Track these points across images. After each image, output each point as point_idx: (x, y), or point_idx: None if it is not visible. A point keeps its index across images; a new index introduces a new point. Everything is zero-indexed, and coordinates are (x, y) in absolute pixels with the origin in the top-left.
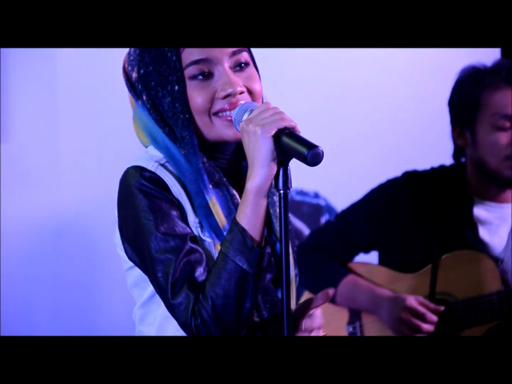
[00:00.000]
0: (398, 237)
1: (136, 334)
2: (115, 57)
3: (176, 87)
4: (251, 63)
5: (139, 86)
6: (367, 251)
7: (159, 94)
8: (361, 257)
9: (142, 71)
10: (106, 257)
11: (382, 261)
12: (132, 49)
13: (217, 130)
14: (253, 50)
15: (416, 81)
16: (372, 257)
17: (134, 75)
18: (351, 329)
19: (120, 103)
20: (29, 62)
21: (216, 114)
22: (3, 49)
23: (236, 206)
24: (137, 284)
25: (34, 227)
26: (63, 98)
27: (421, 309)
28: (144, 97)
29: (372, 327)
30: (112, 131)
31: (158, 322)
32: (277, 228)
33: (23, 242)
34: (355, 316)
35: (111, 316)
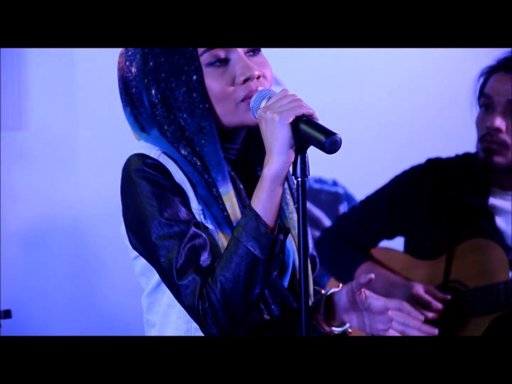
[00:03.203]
0: (419, 224)
1: (144, 322)
2: None
3: (194, 77)
4: (260, 50)
5: (145, 80)
6: (389, 237)
7: (171, 85)
8: (385, 243)
9: (151, 63)
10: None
11: (405, 247)
12: None
13: (240, 114)
14: (271, 49)
15: (433, 74)
16: (397, 243)
17: (134, 70)
18: None
19: None
20: (47, 60)
21: (243, 101)
22: (22, 49)
23: (242, 201)
24: (143, 273)
25: (48, 220)
26: (80, 96)
27: (427, 297)
28: (153, 91)
29: None
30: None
31: (163, 310)
32: (288, 215)
33: (35, 235)
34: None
35: (115, 315)
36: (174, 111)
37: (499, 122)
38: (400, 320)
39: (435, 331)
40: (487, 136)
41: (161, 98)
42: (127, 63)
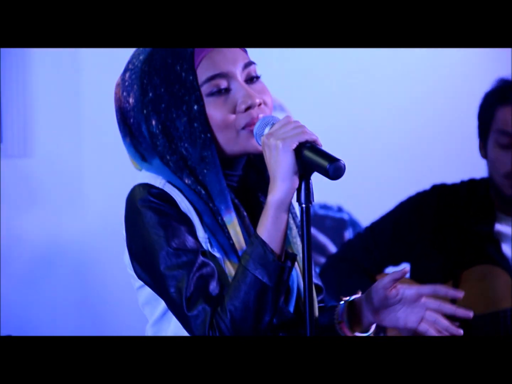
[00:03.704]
0: (424, 251)
1: None
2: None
3: (195, 107)
4: (260, 77)
5: (144, 111)
6: (394, 263)
7: (172, 115)
8: (391, 269)
9: (151, 94)
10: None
11: (411, 274)
12: (127, 74)
13: (242, 142)
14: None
15: (440, 98)
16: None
17: (132, 100)
18: None
19: None
20: (52, 64)
21: (243, 128)
22: (27, 66)
23: (246, 228)
24: (148, 303)
25: (55, 242)
26: (86, 121)
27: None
28: (153, 122)
29: None
30: None
31: None
32: (291, 240)
33: (40, 261)
34: (380, 329)
35: (117, 319)
36: (176, 140)
37: None
38: (434, 307)
39: (470, 314)
40: None
41: (162, 128)
42: (124, 93)
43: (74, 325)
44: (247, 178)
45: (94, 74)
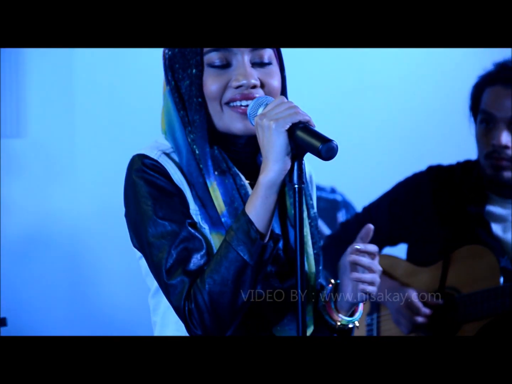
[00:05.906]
0: (419, 231)
1: (152, 324)
2: (133, 56)
3: (194, 70)
4: (274, 62)
5: (168, 67)
6: (392, 244)
7: (180, 76)
8: (388, 250)
9: (170, 52)
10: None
11: (408, 254)
12: None
13: (226, 121)
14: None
15: (434, 78)
16: (400, 250)
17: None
18: (369, 320)
19: (137, 101)
20: (46, 61)
21: (227, 104)
22: (21, 54)
23: (243, 196)
24: (147, 274)
25: (48, 225)
26: (79, 103)
27: (416, 303)
28: (169, 77)
29: (387, 320)
30: (128, 129)
31: (163, 311)
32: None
33: (33, 242)
34: (374, 307)
35: (113, 319)
36: (182, 98)
37: (506, 139)
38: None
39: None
40: (494, 154)
41: (174, 84)
42: (166, 50)
43: (66, 315)
44: (255, 155)
45: (88, 57)
